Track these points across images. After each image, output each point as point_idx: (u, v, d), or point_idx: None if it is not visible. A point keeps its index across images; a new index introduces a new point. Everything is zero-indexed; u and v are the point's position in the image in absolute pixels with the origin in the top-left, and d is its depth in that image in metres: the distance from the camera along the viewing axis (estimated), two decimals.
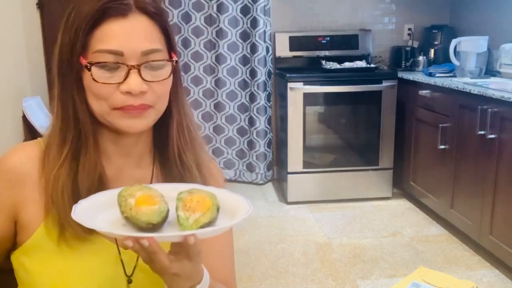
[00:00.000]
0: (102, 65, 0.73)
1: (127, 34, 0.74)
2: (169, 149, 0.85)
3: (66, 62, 0.76)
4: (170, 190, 0.77)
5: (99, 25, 0.73)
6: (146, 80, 0.75)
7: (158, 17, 0.78)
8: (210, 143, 3.85)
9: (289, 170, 3.42)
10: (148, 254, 0.66)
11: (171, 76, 0.79)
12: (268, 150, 3.80)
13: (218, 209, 0.73)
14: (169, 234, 0.69)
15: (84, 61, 0.74)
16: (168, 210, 0.73)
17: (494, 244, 2.44)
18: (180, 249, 0.69)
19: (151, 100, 0.76)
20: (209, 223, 0.71)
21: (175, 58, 0.80)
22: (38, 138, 0.84)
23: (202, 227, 0.70)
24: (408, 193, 3.47)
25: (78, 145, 0.78)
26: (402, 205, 3.42)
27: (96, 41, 0.74)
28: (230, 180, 3.89)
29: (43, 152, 0.80)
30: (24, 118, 2.48)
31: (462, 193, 2.73)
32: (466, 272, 2.47)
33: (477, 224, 2.58)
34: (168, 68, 0.78)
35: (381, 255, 2.67)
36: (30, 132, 2.46)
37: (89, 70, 0.73)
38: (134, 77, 0.73)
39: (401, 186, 3.53)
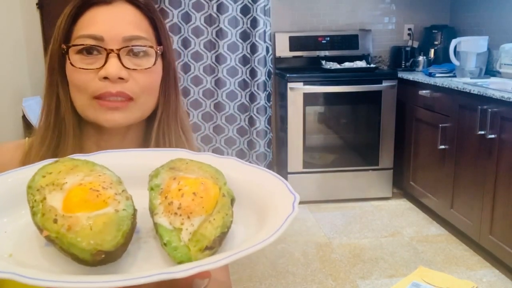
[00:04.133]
0: (80, 49, 0.71)
1: (110, 19, 0.72)
2: None
3: (53, 55, 0.75)
4: (135, 167, 0.47)
5: (83, 14, 0.72)
6: (127, 68, 0.71)
7: (146, 8, 0.76)
8: (210, 143, 3.85)
9: (289, 170, 3.42)
10: None
11: (158, 69, 0.76)
12: (268, 150, 3.80)
13: (232, 202, 0.44)
14: (144, 276, 0.34)
15: (63, 46, 0.72)
16: (134, 215, 0.42)
17: (494, 244, 2.44)
18: None
19: (132, 91, 0.72)
20: (223, 236, 0.40)
21: (159, 47, 0.75)
22: (26, 138, 0.81)
23: (209, 247, 0.39)
24: (408, 193, 3.47)
25: (58, 143, 0.75)
26: (402, 205, 3.42)
27: (78, 28, 0.72)
28: None
29: (25, 153, 0.77)
30: (24, 118, 2.48)
31: (462, 193, 2.73)
32: (466, 272, 2.47)
33: (477, 224, 2.58)
34: (152, 59, 0.74)
35: (381, 255, 2.67)
36: (30, 132, 2.46)
37: (67, 53, 0.71)
38: (112, 62, 0.70)
39: (401, 186, 3.53)
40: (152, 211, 0.42)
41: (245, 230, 0.43)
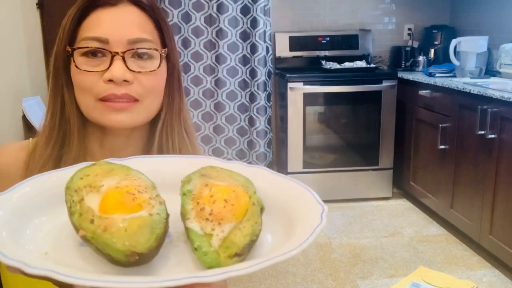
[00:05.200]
0: (85, 52, 0.71)
1: (115, 22, 0.72)
2: (151, 151, 0.79)
3: (58, 56, 0.75)
4: (167, 173, 0.49)
5: (88, 15, 0.72)
6: (131, 70, 0.71)
7: (151, 10, 0.75)
8: (210, 143, 3.85)
9: (289, 170, 3.42)
10: None
11: (162, 71, 0.76)
12: (268, 150, 3.80)
13: (262, 210, 0.44)
14: (177, 278, 0.35)
15: (68, 48, 0.72)
16: (167, 219, 0.43)
17: (494, 244, 2.44)
18: None
19: (137, 93, 0.72)
20: (252, 243, 0.41)
21: (164, 50, 0.76)
22: (30, 139, 0.81)
23: (238, 254, 0.40)
24: (408, 193, 3.47)
25: (63, 144, 0.75)
26: (402, 205, 3.42)
27: (83, 30, 0.72)
28: None
29: (29, 154, 0.77)
30: (24, 118, 2.48)
31: (462, 193, 2.73)
32: (466, 272, 2.47)
33: (477, 224, 2.58)
34: (157, 61, 0.74)
35: (381, 255, 2.67)
36: (30, 132, 2.46)
37: (72, 56, 0.71)
38: (117, 64, 0.70)
39: (401, 186, 3.53)
40: (184, 216, 0.43)
41: (272, 239, 0.44)
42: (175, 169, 0.52)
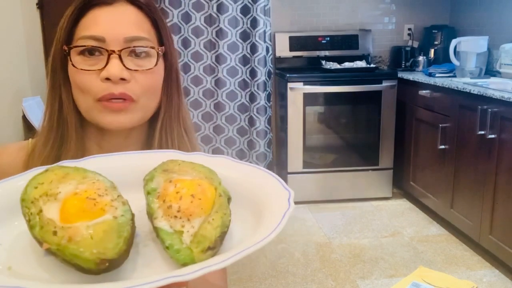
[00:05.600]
0: (82, 50, 0.71)
1: (111, 20, 0.72)
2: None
3: (56, 56, 0.75)
4: (127, 170, 0.47)
5: (85, 15, 0.72)
6: (128, 68, 0.71)
7: (147, 9, 0.75)
8: (210, 143, 3.85)
9: (289, 170, 3.42)
10: None
11: (160, 70, 0.76)
12: (268, 150, 3.79)
13: (229, 201, 0.45)
14: (154, 280, 0.34)
15: (65, 47, 0.72)
16: (132, 220, 0.42)
17: (494, 244, 2.44)
18: None
19: (134, 92, 0.72)
20: (223, 235, 0.41)
21: (161, 48, 0.75)
22: (29, 139, 0.81)
23: (211, 247, 0.39)
24: (408, 193, 3.47)
25: (61, 144, 0.75)
26: (402, 205, 3.42)
27: (80, 29, 0.72)
28: None
29: (28, 154, 0.77)
30: (24, 118, 2.48)
31: (462, 193, 2.73)
32: (466, 272, 2.47)
33: (477, 224, 2.58)
34: (154, 59, 0.74)
35: (381, 255, 2.67)
36: (30, 132, 2.46)
37: (69, 55, 0.71)
38: (114, 63, 0.70)
39: (401, 186, 3.53)
40: (151, 215, 0.42)
41: (242, 228, 0.43)
42: (134, 165, 0.50)
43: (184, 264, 0.39)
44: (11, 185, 0.47)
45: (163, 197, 0.42)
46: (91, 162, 0.52)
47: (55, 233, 0.39)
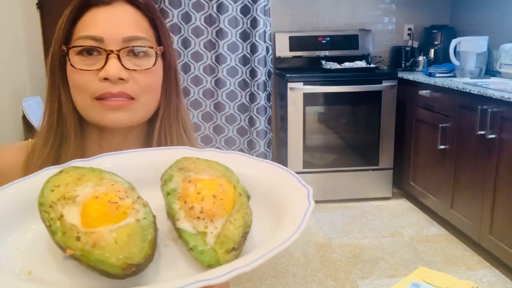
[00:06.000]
0: (80, 50, 0.71)
1: (109, 20, 0.72)
2: None
3: (54, 56, 0.75)
4: (141, 168, 0.47)
5: (83, 15, 0.72)
6: (127, 68, 0.71)
7: (146, 8, 0.76)
8: (210, 143, 3.85)
9: None
10: None
11: (158, 69, 0.76)
12: (268, 150, 3.79)
13: (248, 199, 0.44)
14: (184, 285, 0.34)
15: (63, 47, 0.72)
16: (154, 221, 0.41)
17: (494, 244, 2.44)
18: None
19: (133, 91, 0.72)
20: (245, 236, 0.40)
21: (159, 48, 0.75)
22: (29, 140, 0.81)
23: (235, 248, 0.39)
24: (408, 193, 3.47)
25: (61, 144, 0.75)
26: (402, 205, 3.42)
27: (78, 30, 0.72)
28: None
29: (28, 154, 0.77)
30: (24, 118, 2.48)
31: (462, 193, 2.73)
32: (466, 272, 2.47)
33: (477, 224, 2.58)
34: (152, 59, 0.74)
35: (381, 255, 2.67)
36: (30, 132, 2.46)
37: (67, 55, 0.71)
38: (112, 63, 0.70)
39: (401, 186, 3.53)
40: (173, 217, 0.42)
41: (261, 227, 0.43)
42: (147, 163, 0.50)
43: (210, 266, 0.39)
44: (23, 187, 0.46)
45: (184, 198, 0.42)
46: (102, 161, 0.50)
47: (78, 238, 0.38)
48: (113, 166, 0.48)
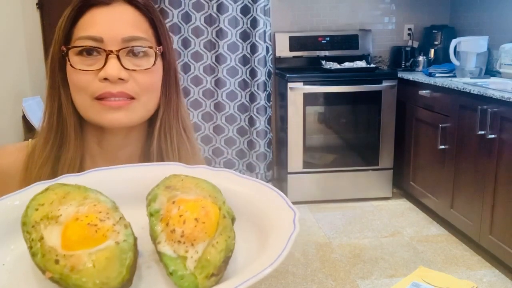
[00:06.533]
0: (80, 51, 0.71)
1: (109, 20, 0.72)
2: (150, 151, 0.79)
3: (54, 57, 0.75)
4: (129, 184, 0.47)
5: (82, 15, 0.73)
6: (126, 68, 0.71)
7: (145, 9, 0.76)
8: (210, 143, 3.85)
9: (289, 170, 3.42)
10: None
11: (158, 69, 0.76)
12: (268, 150, 3.79)
13: (233, 221, 0.43)
14: None
15: (63, 48, 0.72)
16: (135, 244, 0.41)
17: (494, 244, 2.44)
18: None
19: (133, 91, 0.72)
20: (227, 260, 0.40)
21: (159, 48, 0.76)
22: (29, 140, 0.82)
23: (215, 274, 0.39)
24: (408, 193, 3.47)
25: (61, 144, 0.75)
26: (402, 205, 3.42)
27: (78, 30, 0.72)
28: None
29: (28, 155, 0.77)
30: (24, 118, 2.48)
31: (462, 193, 2.73)
32: (466, 272, 2.47)
33: (477, 224, 2.58)
34: (152, 59, 0.74)
35: (381, 255, 2.67)
36: (30, 132, 2.46)
37: (67, 55, 0.71)
38: (112, 63, 0.70)
39: (401, 186, 3.53)
40: (155, 239, 0.41)
41: (246, 249, 0.42)
42: (137, 179, 0.49)
43: None
44: (8, 204, 0.46)
45: (166, 219, 0.41)
46: (92, 176, 0.50)
47: (57, 261, 0.38)
48: (102, 181, 0.48)
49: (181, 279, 0.38)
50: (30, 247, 0.40)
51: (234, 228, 0.42)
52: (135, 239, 0.41)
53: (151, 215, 0.43)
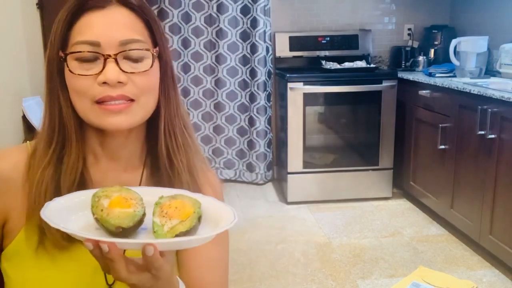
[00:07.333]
0: (78, 56, 0.72)
1: (105, 24, 0.72)
2: (157, 150, 0.81)
3: (52, 60, 0.75)
4: (153, 194, 0.71)
5: (78, 19, 0.73)
6: (125, 71, 0.72)
7: (140, 10, 0.76)
8: (210, 143, 3.85)
9: (289, 170, 3.42)
10: (105, 261, 0.61)
11: (155, 70, 0.77)
12: (268, 150, 3.80)
13: (199, 218, 0.67)
14: (128, 241, 0.63)
15: (61, 54, 0.73)
16: (143, 215, 0.68)
17: (494, 244, 2.44)
18: (144, 260, 0.62)
19: (131, 93, 0.73)
20: (187, 233, 0.65)
21: (155, 50, 0.76)
22: (27, 142, 0.82)
23: (178, 235, 0.64)
24: (408, 193, 3.47)
25: (63, 146, 0.77)
26: (402, 205, 3.42)
27: (74, 34, 0.73)
28: (230, 180, 3.89)
29: (29, 156, 0.78)
30: (24, 118, 2.48)
31: (462, 193, 2.73)
32: (466, 272, 2.47)
33: (477, 224, 2.58)
34: (149, 61, 0.75)
35: (381, 255, 2.67)
36: (30, 132, 2.46)
37: (65, 61, 0.72)
38: (110, 67, 0.71)
39: (401, 186, 3.53)
40: (153, 215, 0.68)
41: (204, 233, 0.67)
42: (158, 192, 0.73)
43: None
44: (91, 192, 0.71)
45: (161, 206, 0.68)
46: (138, 188, 0.75)
47: (102, 210, 0.66)
48: (143, 192, 0.74)
49: (158, 234, 0.65)
50: (92, 206, 0.67)
51: (202, 223, 0.69)
52: (144, 213, 0.69)
53: (156, 204, 0.69)
